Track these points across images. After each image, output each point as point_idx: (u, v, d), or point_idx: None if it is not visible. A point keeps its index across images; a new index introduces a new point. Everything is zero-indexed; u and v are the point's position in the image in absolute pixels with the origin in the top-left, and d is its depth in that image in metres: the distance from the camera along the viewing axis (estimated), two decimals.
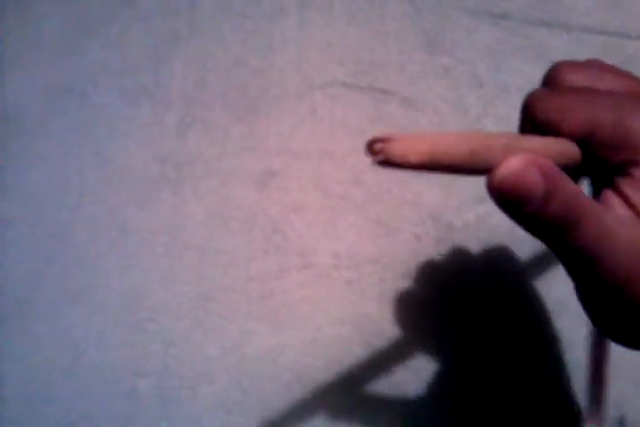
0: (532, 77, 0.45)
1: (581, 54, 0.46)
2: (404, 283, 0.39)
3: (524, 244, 0.39)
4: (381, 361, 0.38)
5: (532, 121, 0.24)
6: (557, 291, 0.38)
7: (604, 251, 0.20)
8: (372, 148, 0.20)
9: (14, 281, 0.41)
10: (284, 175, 0.43)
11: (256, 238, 0.42)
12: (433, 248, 0.40)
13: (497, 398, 0.37)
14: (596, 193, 0.23)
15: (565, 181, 0.20)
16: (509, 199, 0.20)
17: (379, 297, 0.39)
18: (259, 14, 0.48)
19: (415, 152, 0.19)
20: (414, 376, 0.37)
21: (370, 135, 0.20)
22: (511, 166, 0.20)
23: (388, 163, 0.19)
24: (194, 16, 0.48)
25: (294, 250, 0.41)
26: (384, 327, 0.39)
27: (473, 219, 0.41)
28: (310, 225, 0.42)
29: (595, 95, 0.23)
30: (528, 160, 0.19)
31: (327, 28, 0.47)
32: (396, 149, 0.19)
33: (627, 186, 0.20)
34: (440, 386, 0.37)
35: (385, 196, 0.42)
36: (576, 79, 0.25)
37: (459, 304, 0.39)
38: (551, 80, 0.26)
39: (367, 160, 0.43)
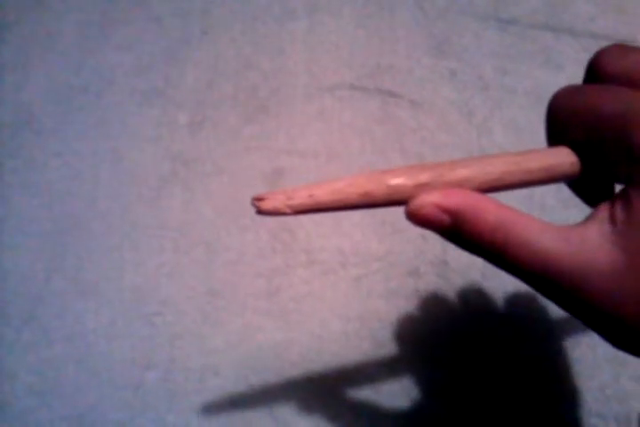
0: (538, 81, 0.46)
1: (587, 58, 0.46)
2: (410, 281, 0.40)
3: None
4: (386, 358, 0.38)
5: (599, 75, 0.22)
6: None
7: (549, 271, 0.19)
8: (252, 203, 0.23)
9: (27, 274, 0.41)
10: (293, 174, 0.44)
11: (263, 236, 0.42)
12: (439, 247, 0.41)
13: (495, 401, 0.37)
14: (592, 204, 0.22)
15: (482, 212, 0.20)
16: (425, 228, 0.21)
17: (385, 294, 0.40)
18: (269, 17, 0.49)
19: (289, 204, 0.22)
20: (419, 372, 0.38)
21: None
22: (416, 203, 0.21)
23: (264, 214, 0.23)
24: (206, 19, 0.49)
25: (301, 247, 0.41)
26: (390, 324, 0.39)
27: None
28: (317, 223, 0.42)
29: None
30: (427, 202, 0.20)
31: (336, 31, 0.48)
32: (267, 206, 0.22)
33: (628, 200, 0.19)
34: (445, 382, 0.38)
35: None
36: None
37: (468, 301, 0.39)
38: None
39: (374, 160, 0.44)
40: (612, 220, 0.19)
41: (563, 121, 0.22)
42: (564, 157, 0.22)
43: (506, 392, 0.37)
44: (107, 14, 0.50)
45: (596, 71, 0.23)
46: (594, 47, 0.46)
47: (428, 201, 0.21)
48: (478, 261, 0.40)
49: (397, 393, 0.37)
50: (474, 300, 0.39)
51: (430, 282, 0.40)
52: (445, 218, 0.21)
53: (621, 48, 0.22)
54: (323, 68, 0.48)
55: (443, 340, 0.39)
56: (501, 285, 0.39)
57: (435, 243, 0.41)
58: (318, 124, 0.46)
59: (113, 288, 0.41)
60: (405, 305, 0.40)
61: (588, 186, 0.23)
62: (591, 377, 0.37)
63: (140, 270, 0.41)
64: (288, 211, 0.22)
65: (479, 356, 0.38)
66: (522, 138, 0.44)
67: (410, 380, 0.38)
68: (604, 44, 0.47)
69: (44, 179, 0.45)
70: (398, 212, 0.42)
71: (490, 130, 0.44)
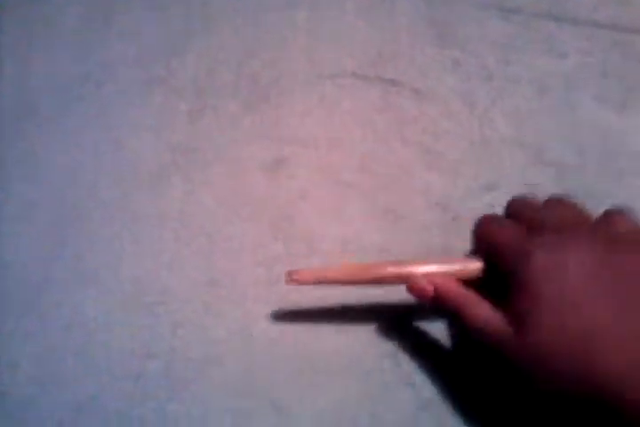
0: (541, 71, 0.46)
1: (590, 49, 0.46)
2: None
3: None
4: (387, 347, 0.38)
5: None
6: None
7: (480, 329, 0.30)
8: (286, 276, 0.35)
9: (27, 264, 0.41)
10: (293, 163, 0.44)
11: (264, 225, 0.42)
12: (441, 237, 0.40)
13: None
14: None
15: (449, 290, 0.32)
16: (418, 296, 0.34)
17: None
18: (271, 6, 0.49)
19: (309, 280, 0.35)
20: (423, 361, 0.38)
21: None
22: (414, 284, 0.34)
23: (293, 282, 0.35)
24: (207, 7, 0.49)
25: (302, 236, 0.41)
26: (391, 315, 0.39)
27: (481, 207, 0.41)
28: (318, 212, 0.42)
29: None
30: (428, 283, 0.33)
31: (338, 19, 0.48)
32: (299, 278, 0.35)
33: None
34: (449, 370, 0.38)
35: (393, 184, 0.43)
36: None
37: None
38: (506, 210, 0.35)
39: (376, 149, 0.43)
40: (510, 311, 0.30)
41: (477, 240, 0.34)
42: (475, 264, 0.33)
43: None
44: (108, 3, 0.50)
45: (506, 210, 0.35)
46: (597, 36, 0.46)
47: (424, 282, 0.33)
48: None
49: (399, 381, 0.37)
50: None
51: None
52: (431, 291, 0.33)
53: (523, 200, 0.35)
54: (324, 57, 0.47)
55: (445, 330, 0.38)
56: None
57: (438, 233, 0.40)
58: (319, 112, 0.46)
59: (113, 277, 0.41)
60: (406, 296, 0.39)
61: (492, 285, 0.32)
62: None
63: (140, 260, 0.41)
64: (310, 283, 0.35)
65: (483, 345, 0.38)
66: (523, 127, 0.44)
67: (411, 367, 0.38)
68: (606, 33, 0.47)
69: (45, 168, 0.44)
70: (401, 199, 0.42)
71: (492, 119, 0.44)
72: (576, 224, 0.32)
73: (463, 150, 0.43)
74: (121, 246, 0.42)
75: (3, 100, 0.47)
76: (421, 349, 0.38)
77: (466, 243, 0.40)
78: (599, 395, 0.26)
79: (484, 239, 0.33)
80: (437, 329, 0.38)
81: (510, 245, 0.30)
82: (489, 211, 0.40)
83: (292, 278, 0.35)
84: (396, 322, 0.39)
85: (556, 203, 0.34)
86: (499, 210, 0.40)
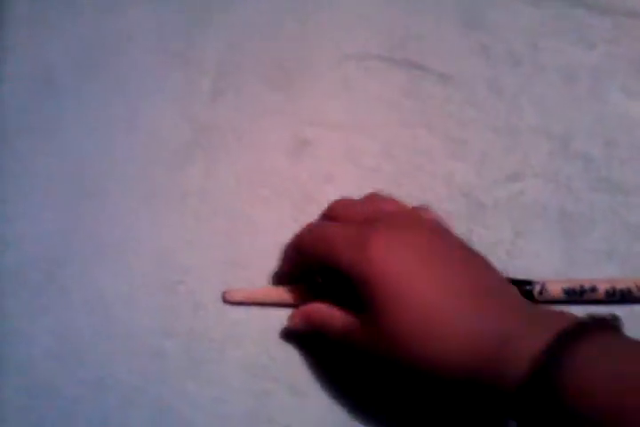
0: (570, 59, 0.45)
1: (619, 39, 0.46)
2: None
3: (554, 224, 0.39)
4: None
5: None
6: None
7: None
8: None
9: (45, 237, 0.41)
10: (316, 145, 0.43)
11: (286, 206, 0.42)
12: (464, 226, 0.40)
13: None
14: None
15: (312, 312, 0.34)
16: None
17: None
18: None
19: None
20: None
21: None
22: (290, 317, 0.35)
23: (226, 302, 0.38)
24: None
25: None
26: None
27: (505, 197, 0.41)
28: (340, 196, 0.42)
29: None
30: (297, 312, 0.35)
31: (364, 0, 0.47)
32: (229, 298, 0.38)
33: None
34: None
35: (416, 171, 0.42)
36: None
37: None
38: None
39: (400, 134, 0.43)
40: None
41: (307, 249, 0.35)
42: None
43: None
44: None
45: (328, 211, 0.36)
46: (627, 25, 0.46)
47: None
48: (505, 240, 0.40)
49: None
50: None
51: None
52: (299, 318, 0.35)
53: (345, 201, 0.36)
54: (349, 38, 0.47)
55: None
56: (528, 264, 0.39)
57: (460, 220, 0.40)
58: (343, 94, 0.45)
59: (132, 254, 0.40)
60: None
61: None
62: None
63: (160, 237, 0.41)
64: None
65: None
66: (550, 116, 0.44)
67: None
68: (636, 22, 0.46)
69: (62, 141, 0.44)
70: (424, 187, 0.42)
71: (519, 107, 0.44)
72: (398, 214, 0.33)
73: (488, 139, 0.43)
74: (140, 222, 0.41)
75: (18, 72, 0.46)
76: None
77: (489, 232, 0.40)
78: (447, 369, 0.27)
79: (315, 246, 0.32)
80: None
81: (344, 239, 0.30)
82: (513, 202, 0.40)
83: (225, 298, 0.38)
84: None
85: (374, 197, 0.35)
86: (524, 199, 0.40)
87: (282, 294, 0.38)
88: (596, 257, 0.38)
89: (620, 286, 0.36)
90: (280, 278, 0.39)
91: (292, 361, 0.38)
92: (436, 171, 0.42)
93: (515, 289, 0.32)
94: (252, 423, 0.36)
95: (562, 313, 0.27)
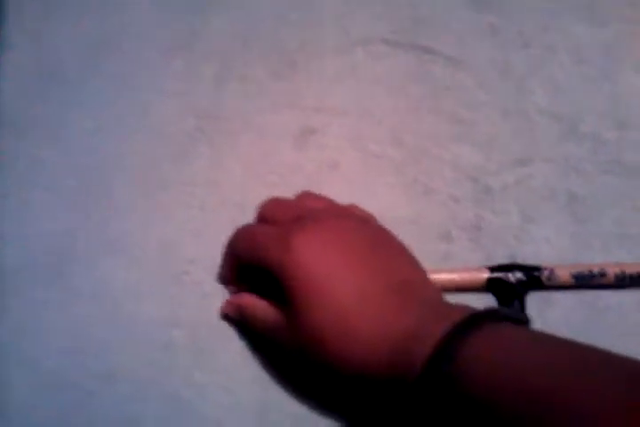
0: (580, 39, 0.44)
1: (632, 16, 0.44)
2: (441, 245, 0.39)
3: (564, 208, 0.39)
4: None
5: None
6: None
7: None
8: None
9: (54, 232, 0.41)
10: (322, 133, 0.43)
11: (292, 194, 0.41)
12: (471, 210, 0.40)
13: None
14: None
15: (240, 301, 0.32)
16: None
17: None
18: None
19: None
20: None
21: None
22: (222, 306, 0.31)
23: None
24: None
25: None
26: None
27: (512, 181, 0.40)
28: (347, 183, 0.41)
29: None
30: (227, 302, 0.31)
31: None
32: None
33: None
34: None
35: (423, 156, 0.42)
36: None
37: None
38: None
39: (407, 119, 0.42)
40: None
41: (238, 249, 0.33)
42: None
43: None
44: None
45: (258, 215, 0.34)
46: (639, 3, 0.44)
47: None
48: (513, 225, 0.39)
49: None
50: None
51: (462, 247, 0.39)
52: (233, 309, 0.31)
53: (275, 201, 0.33)
54: (355, 22, 0.46)
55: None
56: (537, 249, 0.38)
57: (467, 206, 0.40)
58: (349, 80, 0.44)
59: (139, 246, 0.40)
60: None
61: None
62: None
63: (167, 228, 0.41)
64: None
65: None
66: (561, 98, 0.42)
67: None
68: None
69: (68, 133, 0.44)
70: (431, 171, 0.41)
71: (529, 89, 0.43)
72: (324, 211, 0.33)
73: (497, 122, 0.42)
74: (147, 214, 0.41)
75: (23, 62, 0.46)
76: None
77: (497, 218, 0.39)
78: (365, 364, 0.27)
79: (245, 247, 0.32)
80: None
81: (271, 239, 0.30)
82: (521, 186, 0.40)
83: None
84: None
85: (305, 196, 0.34)
86: (533, 183, 0.39)
87: None
88: (607, 241, 0.37)
89: (630, 270, 0.36)
90: (224, 280, 0.39)
91: None
92: (442, 155, 0.42)
93: (430, 283, 0.33)
94: (261, 412, 0.36)
95: (465, 307, 0.27)
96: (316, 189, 0.40)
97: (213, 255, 0.40)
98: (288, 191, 0.41)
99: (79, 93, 0.45)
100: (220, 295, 0.38)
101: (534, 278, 0.37)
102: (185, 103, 0.44)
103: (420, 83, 0.43)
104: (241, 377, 0.37)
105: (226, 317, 0.34)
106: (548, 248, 0.38)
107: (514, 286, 0.36)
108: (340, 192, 0.40)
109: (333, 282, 0.29)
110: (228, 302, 0.34)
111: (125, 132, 0.43)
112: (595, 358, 0.22)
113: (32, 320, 0.38)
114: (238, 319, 0.34)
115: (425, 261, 0.38)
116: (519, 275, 0.36)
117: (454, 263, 0.39)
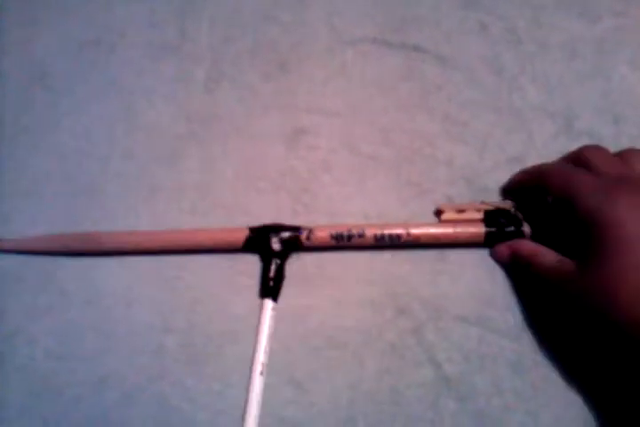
0: (573, 34, 0.44)
1: (626, 10, 0.44)
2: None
3: None
4: (409, 324, 0.37)
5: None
6: None
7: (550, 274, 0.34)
8: None
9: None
10: (314, 134, 0.42)
11: (284, 197, 0.41)
12: None
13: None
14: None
15: (520, 247, 0.36)
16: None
17: (410, 259, 0.39)
18: None
19: None
20: (444, 338, 0.37)
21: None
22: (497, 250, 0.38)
23: None
24: None
25: (323, 210, 0.40)
26: (414, 290, 0.38)
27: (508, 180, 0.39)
28: (340, 185, 0.41)
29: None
30: (504, 246, 0.38)
31: None
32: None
33: None
34: (473, 347, 0.37)
35: (416, 156, 0.41)
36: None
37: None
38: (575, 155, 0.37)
39: (398, 119, 0.42)
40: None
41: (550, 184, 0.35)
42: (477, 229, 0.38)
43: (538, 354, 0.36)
44: None
45: (578, 157, 0.35)
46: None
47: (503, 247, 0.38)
48: None
49: (420, 358, 0.37)
50: (505, 265, 0.38)
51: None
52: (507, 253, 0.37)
53: (600, 151, 0.35)
54: (344, 22, 0.45)
55: (469, 306, 0.37)
56: None
57: None
58: (340, 80, 0.44)
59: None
60: (431, 270, 0.38)
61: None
62: None
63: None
64: None
65: (520, 320, 0.37)
66: (554, 95, 0.42)
67: (435, 346, 0.37)
68: None
69: (57, 138, 0.43)
70: (424, 172, 0.40)
71: (521, 86, 0.42)
72: None
73: (489, 120, 0.42)
74: (137, 218, 0.41)
75: (12, 66, 0.45)
76: (447, 326, 0.37)
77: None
78: None
79: (561, 184, 0.33)
80: (468, 308, 0.38)
81: (591, 187, 0.32)
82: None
83: None
84: (420, 299, 0.38)
85: (631, 155, 0.34)
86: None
87: (50, 241, 0.39)
88: None
89: (389, 231, 0.37)
90: (504, 191, 0.39)
91: (291, 355, 0.37)
92: (436, 155, 0.41)
93: None
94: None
95: None
96: (308, 191, 0.40)
97: (206, 261, 0.40)
98: (280, 194, 0.41)
99: (70, 100, 0.44)
100: (212, 300, 0.38)
101: (294, 239, 0.38)
102: (175, 106, 0.44)
103: (410, 82, 0.43)
104: (233, 383, 0.36)
105: (502, 260, 0.37)
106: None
107: (270, 246, 0.37)
108: (333, 193, 0.40)
109: None
110: (507, 247, 0.37)
111: (117, 138, 0.43)
112: None
113: (22, 326, 0.38)
114: (514, 262, 0.36)
115: (421, 261, 0.37)
116: (278, 235, 0.38)
117: (451, 265, 0.38)
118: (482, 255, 0.38)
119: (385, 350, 0.37)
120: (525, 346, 0.36)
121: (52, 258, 0.40)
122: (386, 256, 0.39)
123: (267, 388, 0.36)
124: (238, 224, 0.40)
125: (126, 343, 0.38)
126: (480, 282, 0.38)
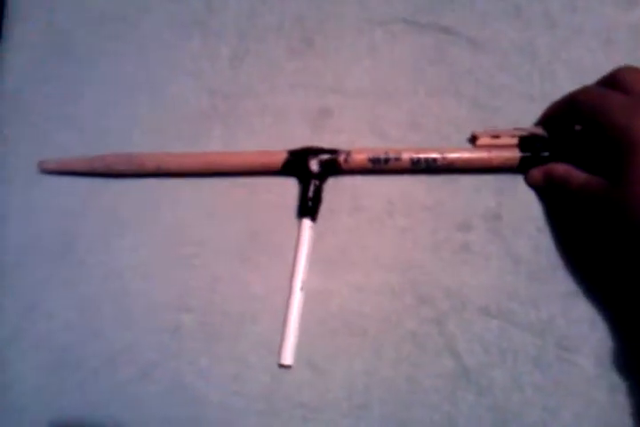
0: (608, 20, 0.42)
1: None
2: (459, 234, 0.38)
3: None
4: (429, 312, 0.37)
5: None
6: None
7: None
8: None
9: (62, 212, 0.40)
10: (339, 115, 0.42)
11: None
12: (492, 198, 0.38)
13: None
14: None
15: (554, 168, 0.37)
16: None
17: (431, 247, 0.38)
18: None
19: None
20: (466, 330, 0.37)
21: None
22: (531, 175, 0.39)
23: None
24: None
25: (347, 192, 0.39)
26: (434, 278, 0.38)
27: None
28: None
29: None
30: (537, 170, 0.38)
31: None
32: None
33: None
34: (492, 337, 0.36)
35: (443, 142, 0.40)
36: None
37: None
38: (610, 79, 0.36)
39: (426, 103, 0.41)
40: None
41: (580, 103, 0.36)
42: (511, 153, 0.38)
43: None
44: None
45: (612, 79, 0.36)
46: None
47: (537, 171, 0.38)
48: (535, 215, 0.38)
49: (440, 348, 0.36)
50: (526, 258, 0.37)
51: (481, 237, 0.38)
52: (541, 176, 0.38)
53: (633, 71, 0.35)
54: (373, 1, 0.44)
55: (491, 297, 0.37)
56: (558, 242, 0.37)
57: (488, 195, 0.38)
58: (367, 60, 0.43)
59: (149, 227, 0.40)
60: (452, 260, 0.38)
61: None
62: None
63: (177, 209, 0.40)
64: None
65: (530, 313, 0.37)
66: (587, 82, 0.41)
67: (454, 335, 0.36)
68: None
69: (79, 110, 0.43)
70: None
71: (554, 72, 0.41)
72: None
73: (521, 107, 0.41)
74: (158, 194, 0.40)
75: (34, 41, 0.45)
76: (471, 317, 0.37)
77: (520, 204, 0.38)
78: None
79: (593, 106, 0.34)
80: (491, 300, 0.37)
81: (622, 106, 0.32)
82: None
83: (40, 167, 0.40)
84: (442, 288, 0.37)
85: None
86: None
87: (88, 162, 0.40)
88: None
89: (425, 154, 0.38)
90: (539, 120, 0.40)
91: (310, 338, 0.37)
92: (463, 141, 0.40)
93: None
94: (268, 401, 0.35)
95: None
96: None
97: (225, 238, 0.39)
98: None
99: (91, 70, 0.44)
100: (230, 280, 0.38)
101: (332, 161, 0.38)
102: (200, 81, 0.43)
103: (439, 64, 0.42)
104: (249, 364, 0.36)
105: (535, 184, 0.38)
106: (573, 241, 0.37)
107: (310, 168, 0.38)
108: (357, 176, 0.39)
109: None
110: (542, 170, 0.37)
111: (137, 111, 0.42)
112: None
113: (40, 298, 0.38)
114: (548, 185, 0.37)
115: (443, 250, 0.37)
116: (317, 157, 0.38)
117: (473, 254, 0.38)
118: (506, 246, 0.38)
119: (405, 337, 0.36)
120: (547, 341, 0.36)
121: (69, 231, 0.40)
122: (408, 244, 0.38)
123: (283, 372, 0.36)
124: (260, 203, 0.39)
125: (143, 319, 0.38)
126: (503, 274, 0.37)
